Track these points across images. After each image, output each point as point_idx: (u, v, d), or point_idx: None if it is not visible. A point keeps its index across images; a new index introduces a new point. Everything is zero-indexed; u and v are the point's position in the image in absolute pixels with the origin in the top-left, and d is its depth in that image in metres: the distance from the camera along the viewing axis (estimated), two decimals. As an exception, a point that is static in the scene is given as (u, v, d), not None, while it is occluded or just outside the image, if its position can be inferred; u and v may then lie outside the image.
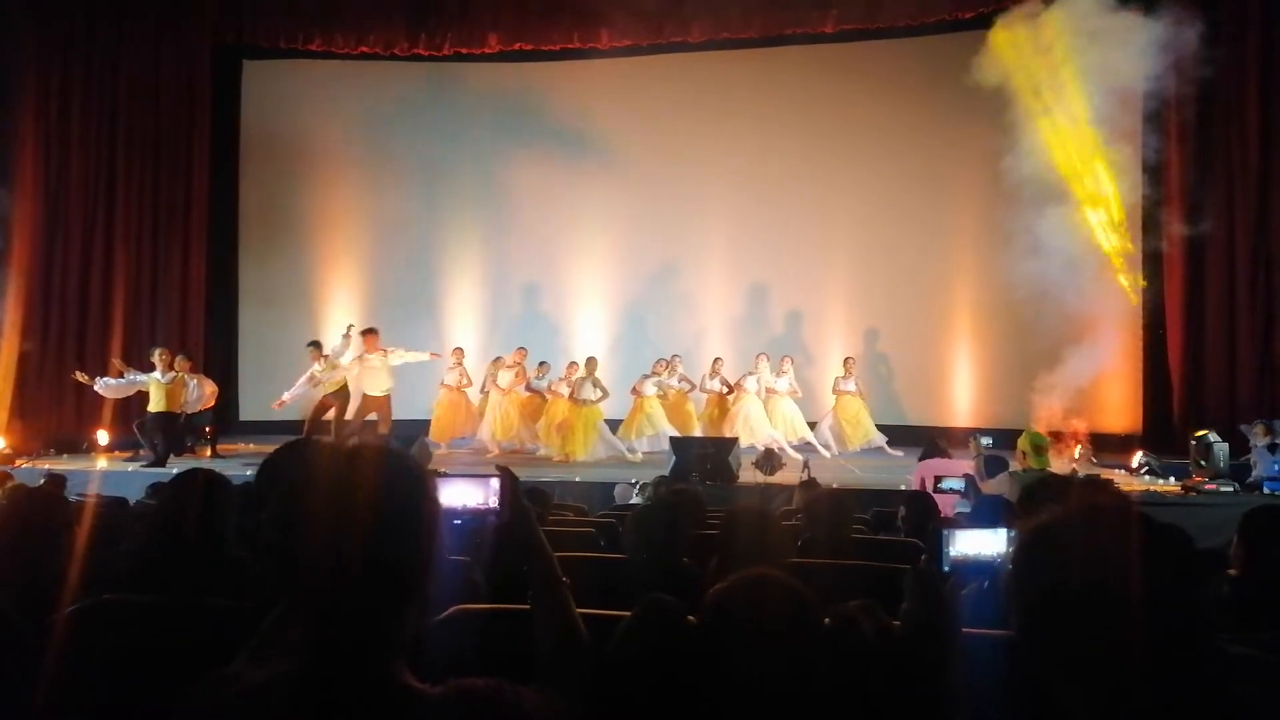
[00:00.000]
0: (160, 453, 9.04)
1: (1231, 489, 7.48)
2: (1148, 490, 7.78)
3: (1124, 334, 10.49)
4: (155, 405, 9.20)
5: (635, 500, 6.38)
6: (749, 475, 8.15)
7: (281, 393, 9.78)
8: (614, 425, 10.40)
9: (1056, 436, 8.25)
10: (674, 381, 10.71)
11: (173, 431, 9.35)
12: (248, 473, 8.21)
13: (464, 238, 12.99)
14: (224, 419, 11.92)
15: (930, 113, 11.24)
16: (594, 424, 10.09)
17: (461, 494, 1.59)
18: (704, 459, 8.02)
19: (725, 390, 10.81)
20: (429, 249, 12.97)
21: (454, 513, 1.57)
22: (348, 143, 12.93)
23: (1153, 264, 10.48)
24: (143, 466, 8.78)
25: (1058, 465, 6.06)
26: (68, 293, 11.28)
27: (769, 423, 10.38)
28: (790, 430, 10.56)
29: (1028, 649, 1.16)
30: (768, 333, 12.21)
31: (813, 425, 10.73)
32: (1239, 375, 10.06)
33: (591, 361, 10.48)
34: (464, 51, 12.38)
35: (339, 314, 12.23)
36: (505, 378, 10.68)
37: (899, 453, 10.53)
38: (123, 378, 9.48)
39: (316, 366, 9.64)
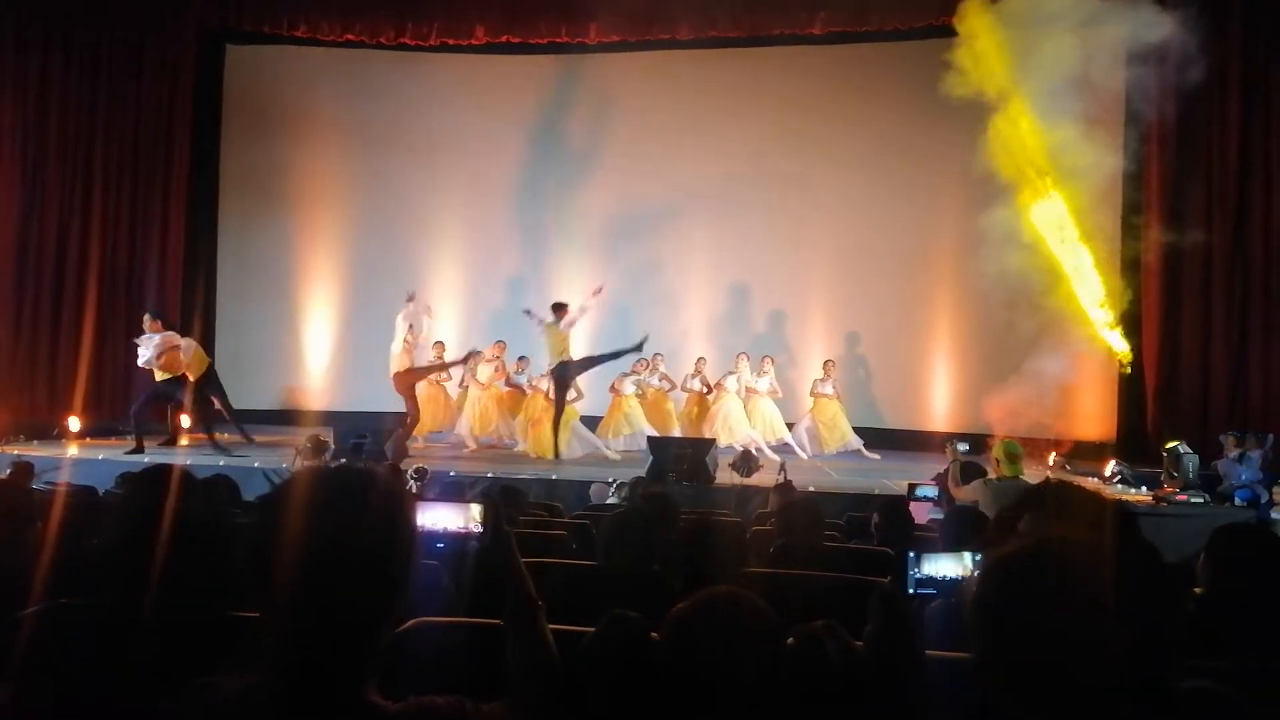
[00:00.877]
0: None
1: (1202, 500, 7.56)
2: (1119, 500, 7.85)
3: (1100, 341, 10.56)
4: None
5: (611, 500, 6.37)
6: (726, 476, 8.16)
7: (256, 381, 9.68)
8: (593, 424, 10.38)
9: (1030, 444, 8.31)
10: (654, 380, 10.71)
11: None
12: (220, 463, 8.17)
13: (445, 230, 12.93)
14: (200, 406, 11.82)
15: (915, 117, 11.26)
16: (568, 423, 10.03)
17: (443, 518, 1.64)
18: (681, 459, 8.01)
19: (705, 390, 10.83)
20: (410, 243, 12.89)
21: (435, 536, 1.62)
22: (329, 131, 12.81)
23: (1130, 271, 10.56)
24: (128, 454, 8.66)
25: (1031, 473, 6.09)
26: (43, 277, 11.14)
27: (748, 423, 10.40)
28: (769, 431, 10.59)
29: (985, 676, 1.17)
30: (750, 332, 12.22)
31: (791, 426, 10.77)
32: (1212, 385, 10.18)
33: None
34: (451, 42, 12.29)
35: (317, 304, 12.16)
36: (484, 372, 10.64)
37: (876, 455, 10.58)
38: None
39: None
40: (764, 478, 8.08)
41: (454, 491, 5.09)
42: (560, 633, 1.70)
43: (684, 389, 10.92)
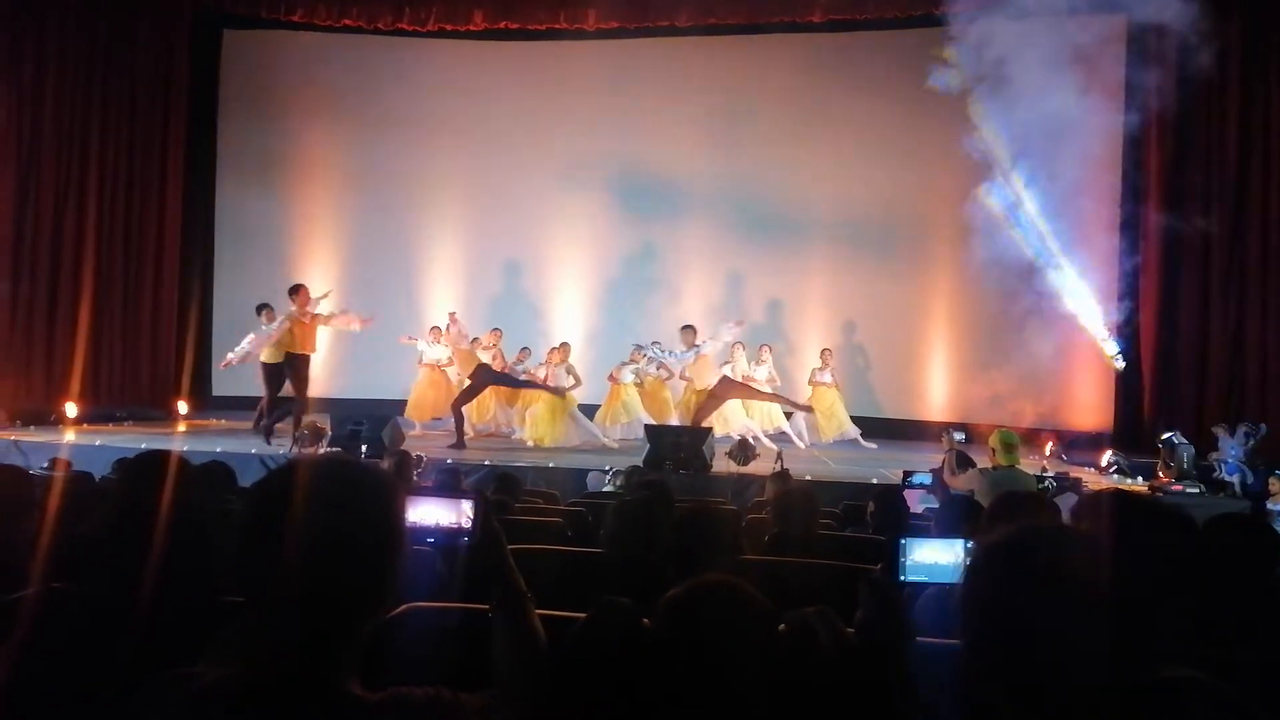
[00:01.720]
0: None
1: (1197, 490, 7.59)
2: (1118, 489, 7.87)
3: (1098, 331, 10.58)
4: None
5: (608, 488, 6.38)
6: (723, 465, 8.17)
7: (253, 367, 9.67)
8: (591, 412, 10.38)
9: (1027, 433, 8.32)
10: (652, 369, 10.70)
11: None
12: (218, 450, 8.16)
13: (443, 215, 12.90)
14: (198, 392, 11.83)
15: (913, 106, 11.23)
16: (565, 410, 10.02)
17: (434, 513, 1.64)
18: (678, 447, 8.01)
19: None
20: (407, 228, 12.87)
21: (426, 531, 1.62)
22: (327, 118, 12.77)
23: (1128, 258, 10.57)
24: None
25: (1028, 463, 6.10)
26: (39, 260, 11.09)
27: (745, 412, 10.40)
28: (766, 420, 10.59)
29: (972, 665, 1.17)
30: (748, 321, 12.19)
31: (788, 415, 10.77)
32: (1210, 375, 10.19)
33: (565, 347, 10.46)
34: (448, 28, 12.25)
35: (313, 289, 12.11)
36: (484, 359, 10.61)
37: (873, 445, 10.59)
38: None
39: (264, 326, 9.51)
40: (760, 466, 8.08)
41: (450, 479, 5.09)
42: (552, 619, 1.70)
43: (682, 378, 10.90)
